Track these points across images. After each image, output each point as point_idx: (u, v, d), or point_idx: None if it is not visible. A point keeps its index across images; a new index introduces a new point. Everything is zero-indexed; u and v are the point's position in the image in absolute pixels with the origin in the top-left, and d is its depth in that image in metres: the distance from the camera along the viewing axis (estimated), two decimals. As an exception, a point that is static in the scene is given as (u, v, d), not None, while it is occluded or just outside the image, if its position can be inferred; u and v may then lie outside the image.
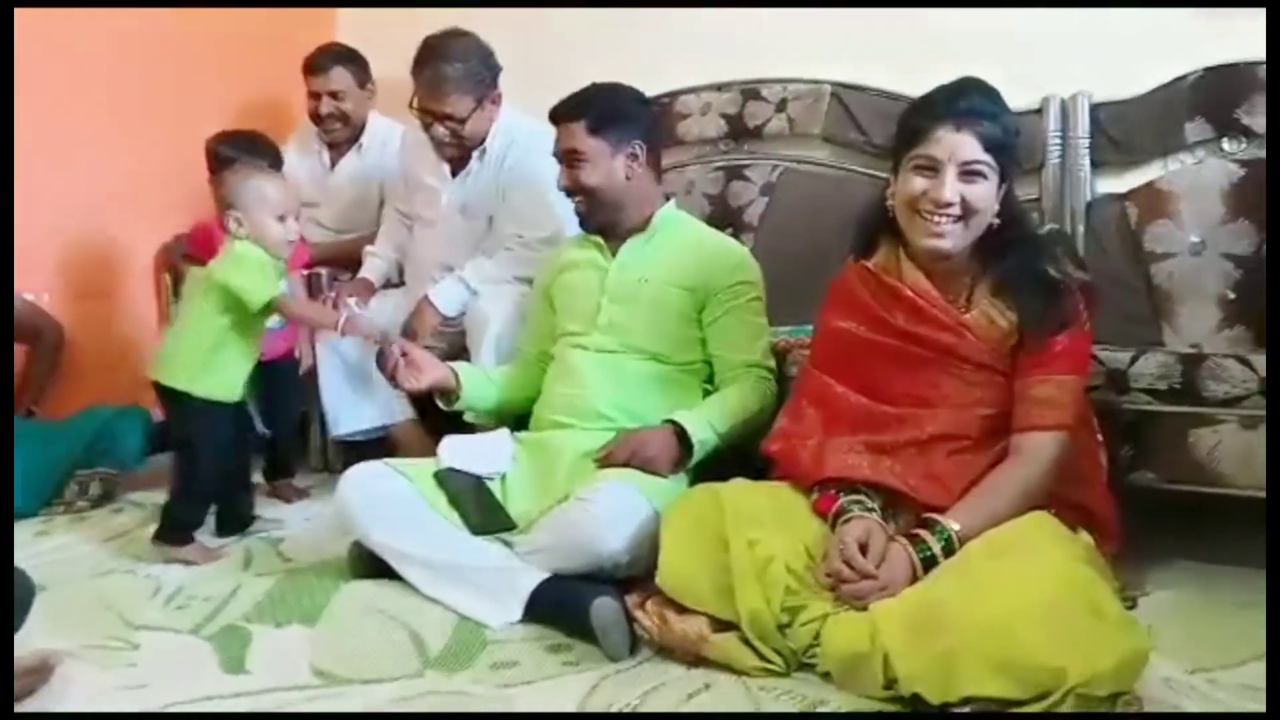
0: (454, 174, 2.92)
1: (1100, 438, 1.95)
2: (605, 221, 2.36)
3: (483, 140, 2.85)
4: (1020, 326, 1.80)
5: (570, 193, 2.35)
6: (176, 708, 1.67)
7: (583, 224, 2.39)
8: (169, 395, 2.38)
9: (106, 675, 1.78)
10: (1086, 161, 2.75)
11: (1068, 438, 1.79)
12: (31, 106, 3.07)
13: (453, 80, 2.74)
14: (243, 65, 3.63)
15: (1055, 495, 1.79)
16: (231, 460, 2.50)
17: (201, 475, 2.42)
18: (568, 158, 2.32)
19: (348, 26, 3.82)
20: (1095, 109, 2.74)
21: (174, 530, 2.39)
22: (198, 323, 2.36)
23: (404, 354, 2.27)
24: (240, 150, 2.74)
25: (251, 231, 2.33)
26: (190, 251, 2.82)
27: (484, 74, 2.80)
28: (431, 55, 2.76)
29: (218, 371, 2.36)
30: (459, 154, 2.87)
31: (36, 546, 2.48)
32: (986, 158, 1.78)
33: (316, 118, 3.35)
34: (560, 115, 2.34)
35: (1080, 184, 2.75)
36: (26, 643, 1.87)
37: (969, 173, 1.77)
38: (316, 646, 1.88)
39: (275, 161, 2.79)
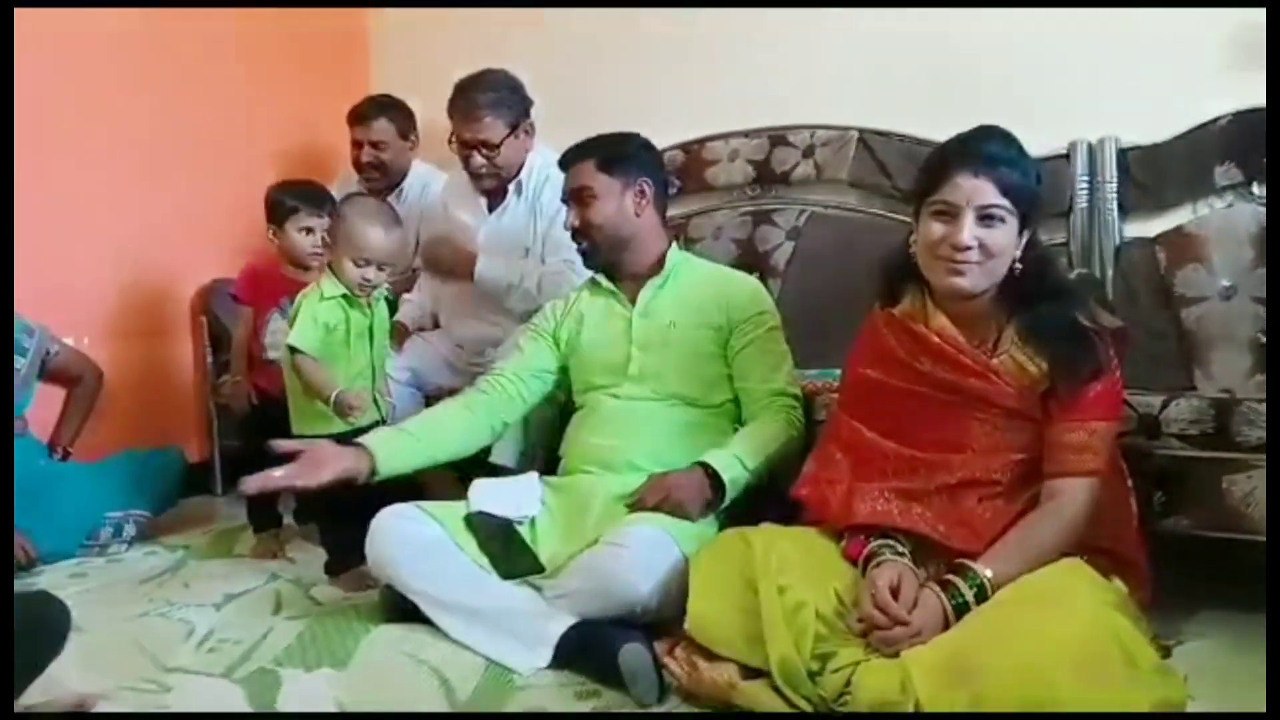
0: (490, 209, 2.97)
1: (1131, 484, 1.93)
2: (609, 261, 2.39)
3: (518, 172, 2.91)
4: (1052, 375, 1.80)
5: (577, 232, 2.38)
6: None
7: (586, 262, 2.43)
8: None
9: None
10: (1115, 206, 2.76)
11: (1101, 484, 1.78)
12: (72, 151, 3.15)
13: (485, 106, 2.82)
14: (281, 113, 3.71)
15: (1086, 542, 1.77)
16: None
17: (319, 506, 2.53)
18: (578, 195, 2.36)
19: (384, 76, 3.89)
20: (1123, 153, 2.75)
21: (333, 560, 2.50)
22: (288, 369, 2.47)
23: (294, 455, 2.04)
24: (300, 200, 2.80)
25: (333, 261, 2.45)
26: (237, 294, 2.87)
27: (516, 102, 2.88)
28: (465, 87, 2.87)
29: (308, 408, 2.43)
30: (496, 185, 2.93)
31: (71, 588, 2.50)
32: (1004, 202, 1.78)
33: (358, 165, 3.42)
34: (570, 157, 2.40)
35: (1109, 228, 2.75)
36: (61, 683, 1.89)
37: (986, 217, 1.77)
38: (346, 690, 1.88)
39: (333, 211, 2.83)
